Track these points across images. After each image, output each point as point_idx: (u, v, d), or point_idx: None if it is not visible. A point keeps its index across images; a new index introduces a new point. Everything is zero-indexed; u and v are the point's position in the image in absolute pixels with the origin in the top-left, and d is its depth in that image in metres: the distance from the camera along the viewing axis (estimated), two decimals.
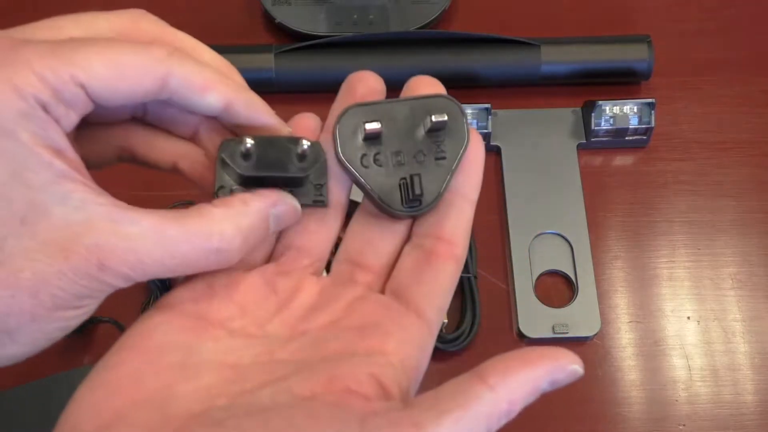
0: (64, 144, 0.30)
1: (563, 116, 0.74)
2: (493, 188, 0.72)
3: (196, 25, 0.80)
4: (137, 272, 0.31)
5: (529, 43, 0.75)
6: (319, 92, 0.76)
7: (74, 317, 0.32)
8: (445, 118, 0.38)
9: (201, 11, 0.81)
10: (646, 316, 0.67)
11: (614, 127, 0.72)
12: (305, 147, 0.37)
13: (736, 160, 0.74)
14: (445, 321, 0.65)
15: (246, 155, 0.36)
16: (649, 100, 0.71)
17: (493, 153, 0.73)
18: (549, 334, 0.65)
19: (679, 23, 0.81)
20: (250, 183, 0.36)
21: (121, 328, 0.67)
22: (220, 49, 0.76)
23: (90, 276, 0.30)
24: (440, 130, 0.39)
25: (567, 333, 0.65)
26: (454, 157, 0.39)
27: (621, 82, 0.77)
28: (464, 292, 0.66)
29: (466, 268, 0.66)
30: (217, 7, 0.81)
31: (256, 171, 0.36)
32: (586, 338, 0.66)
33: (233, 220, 0.33)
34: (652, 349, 0.66)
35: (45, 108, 0.29)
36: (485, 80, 0.76)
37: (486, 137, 0.72)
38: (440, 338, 0.64)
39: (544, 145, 0.73)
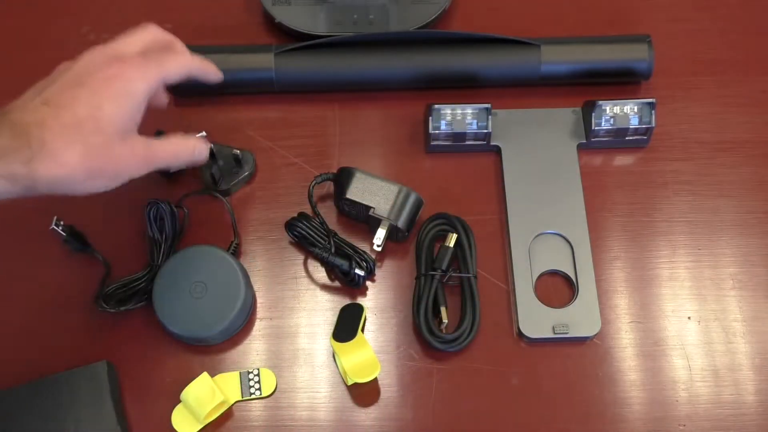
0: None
1: (563, 116, 0.74)
2: (493, 188, 0.72)
3: (196, 25, 0.80)
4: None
5: (529, 43, 0.75)
6: (319, 92, 0.77)
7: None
8: None
9: (201, 11, 0.81)
10: (647, 316, 0.67)
11: (614, 127, 0.72)
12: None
13: (736, 160, 0.74)
14: (445, 321, 0.65)
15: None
16: (650, 100, 0.71)
17: (493, 153, 0.73)
18: (549, 334, 0.65)
19: (679, 23, 0.81)
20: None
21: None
22: (220, 49, 0.77)
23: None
24: None
25: (567, 333, 0.65)
26: None
27: (621, 82, 0.77)
28: (464, 292, 0.66)
29: (466, 267, 0.67)
30: (217, 7, 0.81)
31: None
32: (586, 338, 0.66)
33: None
34: (652, 349, 0.66)
35: (149, 92, 0.59)
36: (485, 80, 0.76)
37: (486, 137, 0.72)
38: (440, 339, 0.64)
39: (544, 145, 0.73)
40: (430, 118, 0.71)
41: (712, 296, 0.68)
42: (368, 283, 0.69)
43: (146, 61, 0.58)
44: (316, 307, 0.68)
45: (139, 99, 0.57)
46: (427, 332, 0.64)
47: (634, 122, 0.72)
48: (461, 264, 0.67)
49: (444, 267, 0.66)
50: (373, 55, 0.75)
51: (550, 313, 0.66)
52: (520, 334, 0.66)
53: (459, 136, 0.72)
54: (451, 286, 0.67)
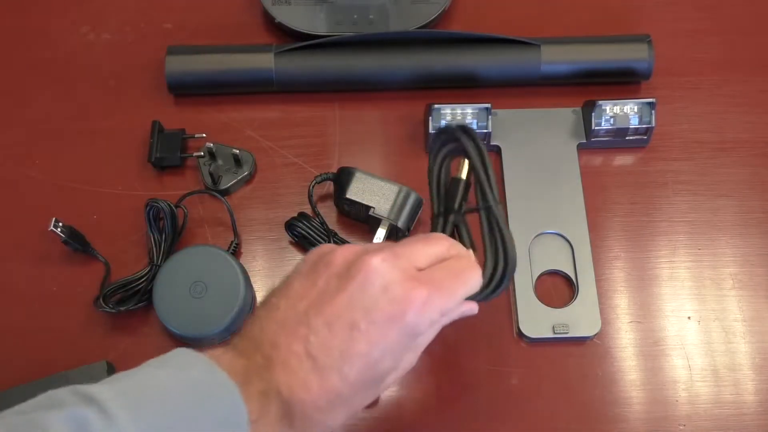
0: None
1: (563, 116, 0.74)
2: None
3: (196, 25, 0.80)
4: None
5: (529, 43, 0.75)
6: (319, 92, 0.77)
7: None
8: None
9: (201, 11, 0.81)
10: (647, 316, 0.67)
11: (614, 126, 0.72)
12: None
13: (736, 160, 0.74)
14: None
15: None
16: (650, 100, 0.71)
17: (493, 153, 0.73)
18: (549, 334, 0.65)
19: (679, 23, 0.81)
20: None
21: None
22: (220, 49, 0.77)
23: None
24: None
25: (567, 333, 0.65)
26: None
27: (621, 81, 0.77)
28: (484, 226, 0.55)
29: (484, 196, 0.55)
30: (217, 7, 0.81)
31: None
32: (586, 338, 0.66)
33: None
34: (652, 349, 0.66)
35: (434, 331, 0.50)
36: (485, 80, 0.76)
37: (486, 137, 0.72)
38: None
39: (544, 145, 0.73)
40: (430, 118, 0.71)
41: (712, 296, 0.68)
42: None
43: (433, 291, 0.47)
44: None
45: (424, 341, 0.49)
46: None
47: (634, 122, 0.72)
48: (477, 193, 0.56)
49: (457, 205, 0.57)
50: (373, 55, 0.75)
51: (550, 313, 0.66)
52: (520, 334, 0.66)
53: None
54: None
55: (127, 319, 0.66)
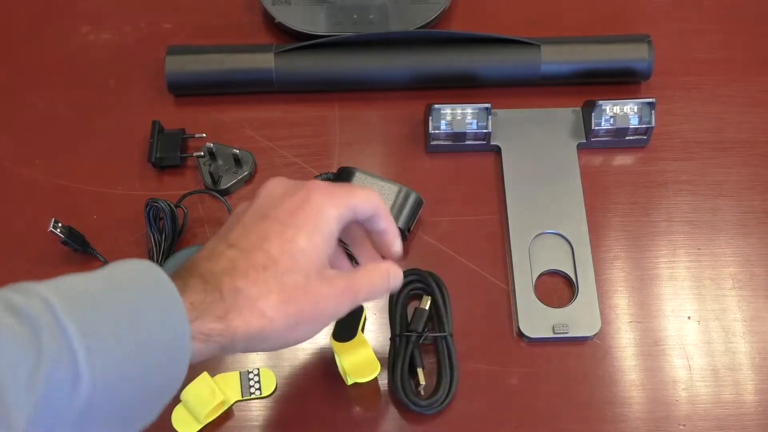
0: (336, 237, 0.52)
1: (563, 116, 0.74)
2: (493, 188, 0.72)
3: (196, 25, 0.80)
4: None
5: (529, 43, 0.75)
6: (319, 92, 0.77)
7: None
8: None
9: (201, 11, 0.81)
10: (647, 316, 0.67)
11: (614, 126, 0.72)
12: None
13: (736, 160, 0.74)
14: (423, 383, 0.63)
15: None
16: (650, 100, 0.71)
17: (493, 153, 0.73)
18: (549, 334, 0.65)
19: (679, 23, 0.81)
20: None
21: None
22: (220, 49, 0.77)
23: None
24: None
25: (567, 333, 0.65)
26: None
27: (621, 82, 0.77)
28: (440, 352, 0.64)
29: (441, 327, 0.64)
30: (217, 7, 0.81)
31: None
32: (586, 338, 0.66)
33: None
34: (652, 349, 0.66)
35: (340, 220, 0.51)
36: (485, 80, 0.76)
37: (486, 137, 0.72)
38: (415, 403, 0.62)
39: (544, 145, 0.73)
40: (430, 118, 0.71)
41: (712, 296, 0.68)
42: None
43: (332, 187, 0.51)
44: None
45: (331, 227, 0.50)
46: (404, 396, 0.62)
47: (634, 122, 0.72)
48: (436, 324, 0.65)
49: (420, 329, 0.64)
50: (373, 55, 0.75)
51: (550, 313, 0.66)
52: (520, 334, 0.66)
53: (459, 136, 0.72)
54: (426, 345, 0.65)
55: None
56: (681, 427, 0.63)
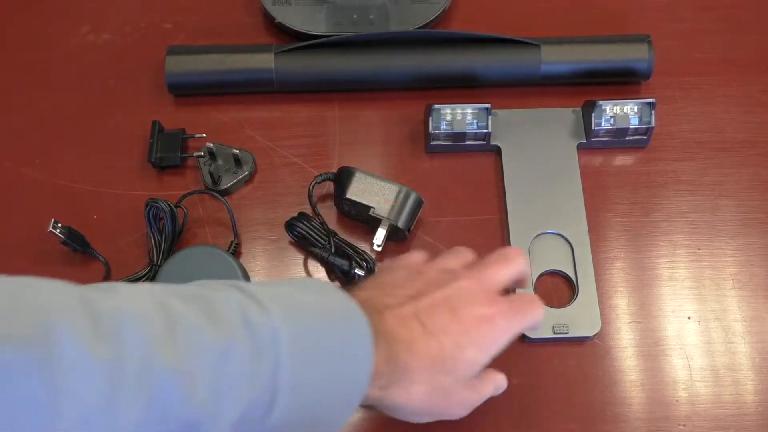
0: None
1: (563, 116, 0.74)
2: (493, 188, 0.72)
3: (196, 25, 0.80)
4: None
5: (529, 43, 0.75)
6: (319, 92, 0.77)
7: None
8: None
9: (201, 11, 0.81)
10: (647, 316, 0.67)
11: (614, 126, 0.72)
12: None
13: (736, 160, 0.74)
14: None
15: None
16: (650, 100, 0.71)
17: (493, 153, 0.73)
18: (549, 334, 0.65)
19: (679, 23, 0.81)
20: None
21: None
22: (220, 49, 0.77)
23: None
24: None
25: (567, 333, 0.65)
26: None
27: (621, 82, 0.77)
28: None
29: None
30: (217, 7, 0.81)
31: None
32: (586, 338, 0.66)
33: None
34: (652, 349, 0.66)
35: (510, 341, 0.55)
36: (485, 80, 0.76)
37: (486, 137, 0.72)
38: None
39: (544, 145, 0.73)
40: (430, 118, 0.71)
41: (712, 296, 0.68)
42: None
43: (513, 312, 0.54)
44: None
45: (499, 349, 0.54)
46: None
47: (634, 122, 0.72)
48: None
49: None
50: (373, 55, 0.75)
51: (550, 313, 0.66)
52: (521, 334, 0.66)
53: (459, 136, 0.72)
54: None
55: None
56: (681, 427, 0.63)
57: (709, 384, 0.65)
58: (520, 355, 0.66)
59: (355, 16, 0.77)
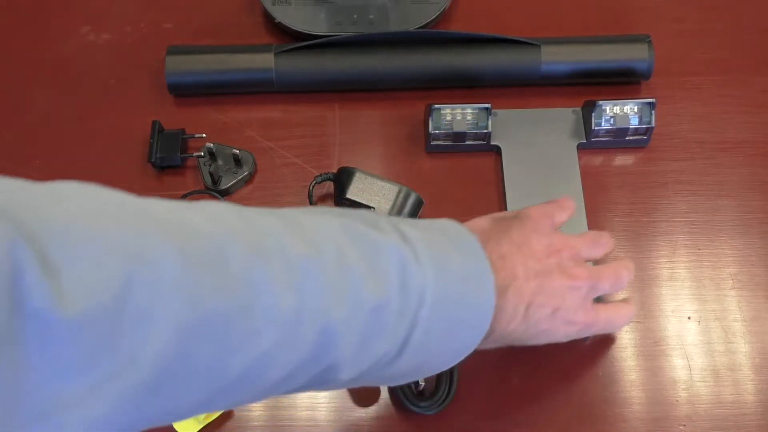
0: None
1: (563, 116, 0.74)
2: (493, 188, 0.72)
3: (196, 25, 0.80)
4: None
5: (529, 43, 0.75)
6: (319, 92, 0.77)
7: None
8: None
9: (201, 11, 0.81)
10: (647, 316, 0.67)
11: (614, 126, 0.72)
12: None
13: (736, 160, 0.74)
14: (422, 383, 0.63)
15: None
16: (650, 100, 0.71)
17: (493, 153, 0.73)
18: None
19: (679, 23, 0.81)
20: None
21: None
22: (220, 49, 0.77)
23: None
24: None
25: None
26: None
27: (621, 82, 0.77)
28: None
29: None
30: (217, 7, 0.81)
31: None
32: (586, 338, 0.66)
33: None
34: (652, 349, 0.66)
35: None
36: (485, 80, 0.76)
37: (486, 137, 0.72)
38: (415, 403, 0.62)
39: (544, 145, 0.73)
40: (430, 118, 0.71)
41: (712, 296, 0.68)
42: None
43: (601, 327, 0.61)
44: None
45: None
46: (404, 396, 0.62)
47: (634, 122, 0.72)
48: None
49: None
50: (373, 55, 0.75)
51: None
52: None
53: (459, 136, 0.72)
54: None
55: None
56: (681, 427, 0.63)
57: (709, 384, 0.65)
58: (519, 354, 0.66)
59: (355, 16, 0.78)
